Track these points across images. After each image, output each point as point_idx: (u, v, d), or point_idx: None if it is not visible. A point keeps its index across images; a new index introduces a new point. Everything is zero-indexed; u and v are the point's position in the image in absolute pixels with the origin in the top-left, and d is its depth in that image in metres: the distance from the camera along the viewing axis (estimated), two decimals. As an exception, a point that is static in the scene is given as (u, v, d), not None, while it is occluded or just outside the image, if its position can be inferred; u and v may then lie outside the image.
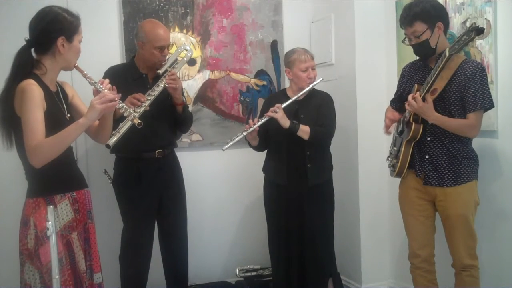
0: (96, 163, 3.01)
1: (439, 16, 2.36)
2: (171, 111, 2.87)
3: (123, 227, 2.91)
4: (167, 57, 2.81)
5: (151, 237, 2.94)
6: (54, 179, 2.04)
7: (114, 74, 2.87)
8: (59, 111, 2.09)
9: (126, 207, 2.89)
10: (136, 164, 2.81)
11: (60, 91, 2.14)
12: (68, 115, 2.14)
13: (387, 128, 2.61)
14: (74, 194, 2.12)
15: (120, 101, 2.13)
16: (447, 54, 2.22)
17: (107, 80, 2.15)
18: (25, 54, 2.03)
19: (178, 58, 2.81)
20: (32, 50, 2.05)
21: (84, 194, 2.17)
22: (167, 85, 2.70)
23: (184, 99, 2.93)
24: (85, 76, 2.13)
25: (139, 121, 2.19)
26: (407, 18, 2.37)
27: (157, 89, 2.67)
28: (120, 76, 2.85)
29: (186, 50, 2.83)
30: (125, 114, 2.19)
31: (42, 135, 1.92)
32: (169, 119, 2.89)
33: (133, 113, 2.19)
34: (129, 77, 2.85)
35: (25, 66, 2.00)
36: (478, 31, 2.15)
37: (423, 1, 2.37)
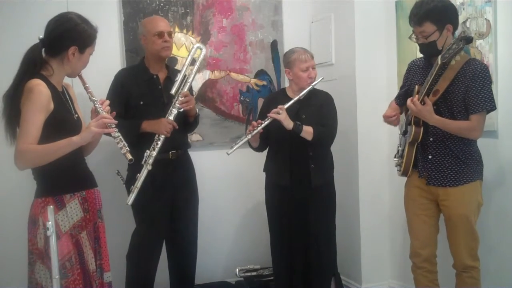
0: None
1: (450, 18, 2.32)
2: (181, 115, 2.83)
3: (135, 228, 2.90)
4: (177, 77, 2.74)
5: (162, 239, 2.93)
6: (63, 179, 2.05)
7: (125, 77, 2.87)
8: (67, 111, 2.09)
9: (139, 209, 2.85)
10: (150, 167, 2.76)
11: (66, 92, 2.15)
12: (76, 115, 2.14)
13: (395, 122, 2.58)
14: (84, 193, 2.12)
15: (117, 130, 2.10)
16: (439, 62, 2.21)
17: (107, 102, 2.15)
18: (36, 52, 2.03)
19: (189, 69, 2.79)
20: (43, 50, 2.05)
21: (94, 193, 2.17)
22: (181, 110, 2.71)
23: (196, 111, 2.92)
24: (86, 88, 2.13)
25: (131, 157, 2.15)
26: (416, 16, 2.33)
27: (172, 116, 2.69)
28: (131, 78, 2.85)
29: (200, 49, 2.81)
30: (119, 146, 2.14)
31: (34, 141, 1.92)
32: (179, 122, 2.82)
33: (126, 147, 2.16)
34: (139, 78, 2.84)
35: (34, 64, 2.01)
36: (467, 41, 2.12)
37: (435, 0, 2.31)
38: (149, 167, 2.61)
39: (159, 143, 2.68)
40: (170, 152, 2.83)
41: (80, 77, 2.15)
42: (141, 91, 2.76)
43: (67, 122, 2.05)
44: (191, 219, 3.00)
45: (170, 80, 2.81)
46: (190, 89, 3.01)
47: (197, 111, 2.97)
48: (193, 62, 2.83)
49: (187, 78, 2.77)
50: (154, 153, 2.64)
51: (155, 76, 2.86)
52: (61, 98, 2.07)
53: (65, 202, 2.04)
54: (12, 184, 2.92)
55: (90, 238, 2.12)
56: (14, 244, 2.72)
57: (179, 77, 2.72)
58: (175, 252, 3.02)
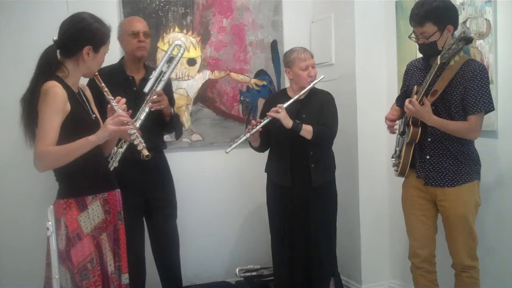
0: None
1: (451, 18, 2.32)
2: (157, 115, 2.81)
3: None
4: (152, 75, 2.70)
5: (141, 238, 2.93)
6: (86, 180, 2.05)
7: (101, 76, 2.85)
8: (84, 112, 2.09)
9: None
10: (120, 167, 2.68)
11: (82, 93, 2.15)
12: (94, 115, 2.14)
13: (390, 128, 2.60)
14: (106, 195, 2.11)
15: (133, 127, 2.11)
16: (438, 63, 2.21)
17: (123, 100, 2.16)
18: (51, 55, 2.03)
19: (167, 63, 2.75)
20: (57, 51, 2.05)
21: (115, 195, 2.17)
22: (152, 109, 2.67)
23: (172, 111, 2.90)
24: (102, 88, 2.14)
25: (148, 153, 2.16)
26: (418, 17, 2.32)
27: (143, 114, 2.65)
28: (106, 78, 2.79)
29: (179, 46, 2.76)
30: (135, 142, 2.15)
31: (53, 142, 1.92)
32: (155, 122, 2.82)
33: (143, 143, 2.16)
34: (115, 79, 2.80)
35: (50, 66, 2.01)
36: (466, 41, 2.14)
37: (437, 0, 2.30)
38: (115, 164, 2.56)
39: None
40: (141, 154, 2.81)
41: (96, 77, 2.15)
42: (115, 92, 2.74)
43: (84, 123, 2.05)
44: (168, 219, 3.00)
45: (146, 81, 2.76)
46: (169, 86, 3.01)
47: (173, 111, 2.93)
48: (171, 59, 2.77)
49: (163, 76, 2.72)
50: (122, 150, 2.61)
51: (130, 78, 2.85)
52: (77, 99, 2.07)
53: (87, 204, 2.04)
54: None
55: (110, 240, 2.12)
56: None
57: (154, 75, 2.69)
58: (157, 252, 3.03)
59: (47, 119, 1.92)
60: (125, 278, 2.18)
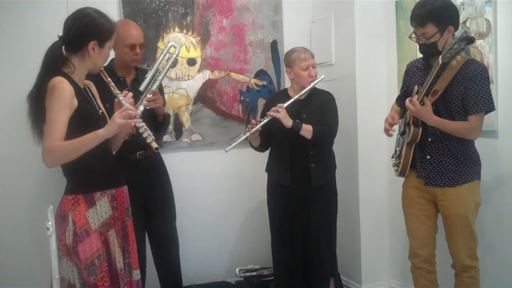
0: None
1: (452, 19, 2.32)
2: (151, 115, 2.82)
3: None
4: (147, 74, 2.71)
5: (141, 238, 2.90)
6: (94, 176, 2.06)
7: (93, 77, 2.83)
8: (91, 107, 2.10)
9: None
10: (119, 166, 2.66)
11: (87, 89, 2.16)
12: (101, 110, 2.14)
13: (387, 131, 2.60)
14: (113, 191, 2.12)
15: (141, 120, 2.11)
16: (440, 62, 2.21)
17: (130, 94, 2.16)
18: (57, 51, 2.03)
19: (163, 64, 2.74)
20: (63, 47, 2.06)
21: (123, 191, 2.18)
22: (147, 107, 2.66)
23: (165, 111, 2.92)
24: (108, 83, 2.14)
25: (156, 145, 2.17)
26: (419, 17, 2.32)
27: (139, 111, 2.63)
28: (98, 79, 2.81)
29: (174, 47, 2.76)
30: (144, 135, 2.16)
31: (61, 138, 1.92)
32: (150, 120, 2.80)
33: (152, 136, 2.17)
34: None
35: (55, 62, 2.01)
36: (468, 41, 2.14)
37: (438, 0, 2.30)
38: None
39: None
40: (138, 153, 2.80)
41: (102, 72, 2.15)
42: (107, 94, 2.75)
43: (92, 118, 2.06)
44: (167, 218, 3.00)
45: (137, 82, 2.76)
46: (161, 87, 3.00)
47: (166, 112, 2.95)
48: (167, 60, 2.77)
49: (158, 75, 2.72)
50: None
51: (121, 79, 2.84)
52: (84, 95, 2.07)
53: (95, 200, 2.05)
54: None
55: (119, 236, 2.12)
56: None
57: (150, 74, 2.69)
58: (157, 253, 3.03)
59: (55, 114, 1.93)
60: (136, 274, 2.18)
